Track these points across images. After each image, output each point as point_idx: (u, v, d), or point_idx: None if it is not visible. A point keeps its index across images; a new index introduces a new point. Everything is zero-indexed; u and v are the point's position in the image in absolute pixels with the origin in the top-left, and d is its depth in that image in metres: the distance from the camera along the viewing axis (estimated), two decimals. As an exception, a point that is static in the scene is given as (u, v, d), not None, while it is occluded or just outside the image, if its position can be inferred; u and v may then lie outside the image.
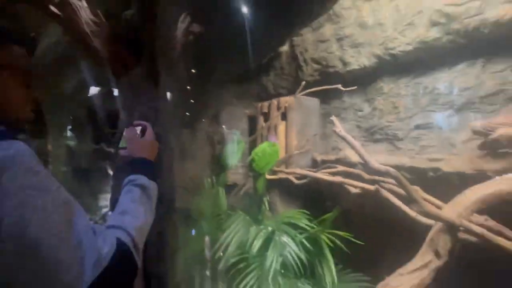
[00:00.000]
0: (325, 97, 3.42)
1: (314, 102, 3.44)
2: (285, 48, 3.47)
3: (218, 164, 2.73)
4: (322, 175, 2.23)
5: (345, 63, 2.84)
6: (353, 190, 2.18)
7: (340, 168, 2.34)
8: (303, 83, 2.92)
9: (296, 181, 2.74)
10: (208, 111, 4.28)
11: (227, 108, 4.18)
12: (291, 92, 3.45)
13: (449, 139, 2.38)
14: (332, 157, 3.09)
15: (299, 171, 2.37)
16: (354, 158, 2.46)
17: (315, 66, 3.10)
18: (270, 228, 2.44)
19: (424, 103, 2.52)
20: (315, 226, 2.35)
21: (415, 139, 2.60)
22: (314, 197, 3.10)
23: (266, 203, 2.70)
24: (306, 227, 2.37)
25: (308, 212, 2.58)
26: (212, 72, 4.02)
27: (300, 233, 2.43)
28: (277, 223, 2.52)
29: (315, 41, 3.03)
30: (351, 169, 2.31)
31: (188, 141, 3.96)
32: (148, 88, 2.83)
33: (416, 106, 2.57)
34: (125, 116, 2.87)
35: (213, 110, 4.28)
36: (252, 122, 4.11)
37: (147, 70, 2.80)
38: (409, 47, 2.36)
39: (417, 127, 2.59)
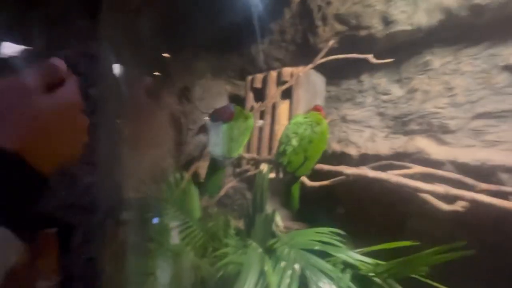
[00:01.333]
0: (333, 74, 2.33)
1: (321, 80, 2.33)
2: (293, 0, 2.24)
3: (213, 158, 1.40)
4: (410, 181, 1.11)
5: (388, 22, 1.77)
6: (445, 207, 1.11)
7: (419, 169, 1.25)
8: (331, 42, 1.76)
9: (311, 183, 1.58)
10: (175, 86, 2.82)
11: (200, 83, 2.80)
12: (288, 66, 2.27)
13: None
14: (352, 150, 2.02)
15: (356, 170, 1.20)
16: (436, 153, 1.40)
17: (338, 26, 1.98)
18: (297, 266, 1.24)
19: (501, 83, 1.59)
20: (372, 263, 1.23)
21: (476, 132, 1.67)
22: (332, 205, 2.00)
23: (278, 219, 1.49)
24: (357, 262, 1.24)
25: (340, 231, 1.45)
26: (187, 35, 2.59)
27: (343, 269, 1.29)
28: (301, 254, 1.34)
29: (345, -11, 1.89)
30: (441, 171, 1.24)
31: (146, 122, 2.48)
32: (80, 24, 1.40)
33: (486, 88, 1.63)
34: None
35: (181, 85, 2.85)
36: (234, 102, 2.84)
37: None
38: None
39: (482, 115, 1.65)
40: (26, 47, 1.75)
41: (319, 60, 1.85)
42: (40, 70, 0.42)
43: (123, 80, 1.90)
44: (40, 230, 1.50)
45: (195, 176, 2.34)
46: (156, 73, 2.72)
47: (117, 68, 1.87)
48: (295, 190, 1.23)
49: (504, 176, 1.24)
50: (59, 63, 0.44)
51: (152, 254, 1.73)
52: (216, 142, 1.43)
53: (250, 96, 2.40)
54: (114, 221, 1.62)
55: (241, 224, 1.91)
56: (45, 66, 0.42)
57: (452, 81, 1.76)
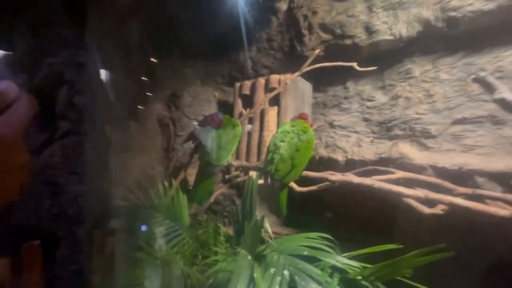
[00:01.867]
0: (319, 81, 2.39)
1: (309, 86, 2.38)
2: (279, 9, 2.29)
3: (202, 166, 1.40)
4: (390, 185, 1.15)
5: (371, 32, 1.84)
6: (427, 210, 1.16)
7: (401, 174, 1.30)
8: (317, 50, 1.81)
9: (300, 189, 1.61)
10: (163, 92, 2.81)
11: (189, 90, 2.80)
12: (276, 73, 2.31)
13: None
14: (340, 156, 2.07)
15: (342, 176, 1.23)
16: (418, 158, 1.46)
17: (324, 35, 2.04)
18: (286, 272, 1.26)
19: (476, 91, 1.67)
20: (359, 267, 1.26)
21: (456, 137, 1.75)
22: (320, 210, 2.03)
23: (267, 225, 1.50)
24: (345, 266, 1.27)
25: (329, 236, 1.48)
26: (176, 42, 2.59)
27: (331, 274, 1.32)
28: (290, 260, 1.36)
29: (329, 0, 1.96)
30: (422, 176, 1.29)
31: (135, 129, 2.45)
32: (66, 32, 1.39)
33: (463, 95, 1.72)
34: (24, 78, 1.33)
35: (169, 91, 2.84)
36: (223, 109, 2.85)
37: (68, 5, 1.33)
38: (489, 6, 1.46)
39: (461, 121, 1.73)
40: (6, 52, 1.71)
41: (306, 68, 1.90)
42: None
43: (111, 87, 1.88)
44: (23, 243, 1.45)
45: (184, 183, 2.33)
46: (144, 79, 2.70)
47: (105, 75, 1.86)
48: (283, 197, 1.26)
49: (480, 180, 1.30)
50: (3, 87, 0.36)
51: (141, 264, 1.70)
52: (205, 149, 1.44)
53: (239, 102, 2.42)
54: (101, 231, 1.59)
55: (231, 230, 1.91)
56: None
57: (432, 88, 1.84)
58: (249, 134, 2.29)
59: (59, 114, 1.47)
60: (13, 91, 0.37)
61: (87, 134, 1.47)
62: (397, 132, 1.98)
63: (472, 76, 1.03)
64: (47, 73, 1.41)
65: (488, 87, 0.99)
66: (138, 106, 2.64)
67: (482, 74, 0.97)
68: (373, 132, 2.14)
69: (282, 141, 1.18)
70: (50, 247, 1.56)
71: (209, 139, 1.43)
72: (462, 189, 1.16)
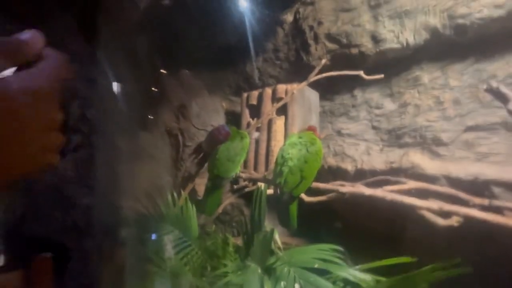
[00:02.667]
0: (326, 90, 2.38)
1: (315, 95, 2.38)
2: (285, 21, 2.31)
3: (211, 178, 1.40)
4: (404, 197, 1.12)
5: (377, 41, 1.84)
6: (441, 222, 1.12)
7: (414, 184, 1.26)
8: (324, 60, 1.81)
9: (309, 199, 1.58)
10: (171, 103, 2.85)
11: (196, 100, 2.83)
12: (282, 82, 2.32)
13: (527, 145, 1.52)
14: (349, 165, 2.04)
15: (352, 187, 1.20)
16: (430, 168, 1.42)
17: (330, 45, 2.04)
18: (297, 286, 1.23)
19: (488, 97, 1.63)
20: (372, 280, 1.22)
21: (469, 144, 1.70)
22: (330, 220, 1.99)
23: (277, 236, 1.48)
24: (357, 280, 1.23)
25: (340, 248, 1.45)
26: (183, 53, 2.64)
27: (343, 287, 1.28)
28: (301, 272, 1.33)
29: (334, 10, 1.98)
30: (435, 187, 1.25)
31: (144, 139, 2.48)
32: (80, 50, 1.44)
33: (474, 101, 1.68)
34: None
35: (177, 102, 2.87)
36: (231, 118, 2.87)
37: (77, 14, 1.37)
38: (499, 12, 1.44)
39: (474, 128, 1.69)
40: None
41: (313, 77, 1.90)
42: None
43: (121, 99, 1.92)
44: (34, 255, 1.47)
45: (193, 193, 2.33)
46: (154, 90, 2.75)
47: (115, 87, 1.90)
48: (293, 210, 1.24)
49: (497, 190, 1.26)
50: (31, 36, 0.31)
51: (150, 276, 1.69)
52: (214, 161, 1.44)
53: (246, 112, 2.43)
54: (111, 243, 1.59)
55: (239, 241, 1.89)
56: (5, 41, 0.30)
57: (442, 95, 1.81)
58: (257, 144, 2.29)
59: (71, 127, 1.50)
60: (40, 42, 0.32)
61: (98, 147, 1.49)
62: (407, 139, 1.95)
63: (485, 87, 1.00)
64: (61, 87, 1.44)
65: (501, 98, 0.97)
66: (147, 117, 2.68)
67: (495, 84, 0.95)
68: (382, 140, 2.11)
69: (290, 153, 1.17)
70: (61, 260, 1.57)
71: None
72: (478, 200, 1.12)
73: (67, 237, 1.53)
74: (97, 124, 1.49)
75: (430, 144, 1.83)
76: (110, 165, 1.68)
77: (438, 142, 1.80)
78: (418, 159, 1.60)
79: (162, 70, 2.68)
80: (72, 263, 1.56)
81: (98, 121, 1.49)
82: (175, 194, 2.08)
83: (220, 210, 2.19)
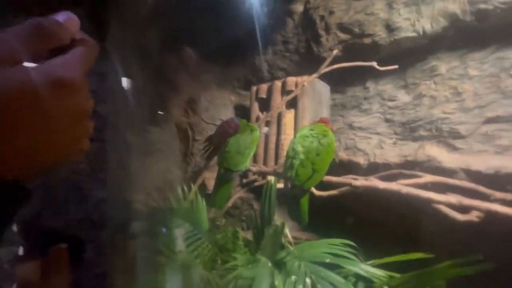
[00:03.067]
0: (337, 82, 2.32)
1: (326, 88, 2.32)
2: (295, 11, 2.25)
3: (220, 171, 1.39)
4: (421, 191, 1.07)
5: (391, 30, 1.76)
6: (460, 217, 1.07)
7: (430, 177, 1.22)
8: (335, 51, 1.76)
9: (319, 193, 1.55)
10: (180, 97, 2.85)
11: (205, 94, 2.82)
12: (292, 75, 2.27)
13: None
14: (361, 159, 1.99)
15: (365, 181, 1.17)
16: (448, 161, 1.37)
17: (342, 35, 1.98)
18: (308, 280, 1.22)
19: (510, 87, 1.55)
20: (385, 276, 1.20)
21: (488, 137, 1.62)
22: (341, 214, 1.96)
23: (287, 230, 1.46)
24: (370, 275, 1.21)
25: (351, 243, 1.42)
26: (192, 46, 2.62)
27: (355, 283, 1.26)
28: (312, 267, 1.31)
29: (347, -1, 1.89)
30: (453, 180, 1.20)
31: (154, 134, 2.49)
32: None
33: (495, 91, 1.60)
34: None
35: (186, 96, 2.87)
36: (239, 112, 2.85)
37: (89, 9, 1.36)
38: (524, -5, 1.35)
39: (493, 120, 1.61)
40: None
41: (324, 69, 1.85)
42: (29, 27, 0.28)
43: (131, 93, 1.93)
44: (52, 246, 1.50)
45: (202, 187, 2.34)
46: (163, 85, 2.75)
47: (125, 82, 1.91)
48: (304, 203, 1.22)
49: (520, 184, 1.20)
50: (67, 18, 0.30)
51: (161, 268, 1.72)
52: (224, 154, 1.43)
53: (256, 106, 2.40)
54: (124, 235, 1.62)
55: (249, 235, 1.88)
56: (36, 22, 0.28)
57: (460, 85, 1.73)
58: (267, 137, 2.27)
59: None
60: (76, 25, 0.32)
61: (110, 141, 1.50)
62: (422, 132, 1.88)
63: (511, 72, 0.94)
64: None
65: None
66: (157, 111, 2.70)
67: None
68: (396, 133, 2.05)
69: (301, 145, 1.14)
70: (76, 251, 1.61)
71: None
72: (500, 194, 1.07)
73: (82, 229, 1.57)
74: (108, 119, 1.50)
75: (447, 137, 1.76)
76: (122, 159, 1.70)
77: (456, 134, 1.72)
78: (435, 152, 1.54)
79: (171, 65, 2.68)
80: (86, 254, 1.60)
81: (109, 116, 1.49)
82: (185, 188, 2.09)
83: (230, 204, 2.19)
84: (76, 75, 0.30)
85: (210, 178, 2.29)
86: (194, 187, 2.20)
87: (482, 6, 1.46)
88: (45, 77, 0.27)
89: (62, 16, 0.31)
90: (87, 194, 1.55)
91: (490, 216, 0.96)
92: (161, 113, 2.69)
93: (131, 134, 1.84)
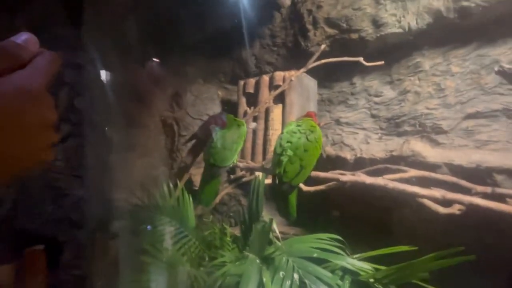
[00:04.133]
0: (325, 77, 2.32)
1: (314, 83, 2.32)
2: (283, 5, 2.22)
3: (206, 167, 1.35)
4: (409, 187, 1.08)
5: (378, 25, 1.77)
6: (442, 210, 1.10)
7: (414, 172, 1.24)
8: (323, 45, 1.75)
9: (307, 188, 1.55)
10: (165, 91, 2.76)
11: (191, 88, 2.75)
12: (279, 70, 2.25)
13: (528, 133, 1.50)
14: (348, 154, 2.01)
15: (352, 176, 1.17)
16: (432, 156, 1.39)
17: (329, 30, 1.97)
18: (296, 276, 1.22)
19: (490, 84, 1.61)
20: (371, 269, 1.22)
21: (469, 132, 1.68)
22: (328, 209, 1.98)
23: (275, 226, 1.46)
24: (356, 268, 1.22)
25: (338, 237, 1.43)
26: (177, 39, 2.53)
27: (342, 276, 1.27)
28: (299, 262, 1.31)
29: (334, -7, 1.88)
30: (437, 175, 1.23)
31: (137, 129, 2.41)
32: (63, 32, 1.34)
33: (476, 88, 1.65)
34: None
35: (171, 90, 2.79)
36: (227, 107, 2.80)
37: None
38: (504, -6, 1.38)
39: (474, 115, 1.67)
40: None
41: (311, 64, 1.84)
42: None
43: (111, 87, 1.84)
44: (26, 247, 1.42)
45: (189, 183, 2.29)
46: (146, 78, 2.66)
47: (104, 75, 1.82)
48: (292, 199, 1.21)
49: (499, 177, 1.24)
50: (25, 39, 0.34)
51: (146, 267, 1.67)
52: (210, 149, 1.39)
53: (243, 101, 2.37)
54: (105, 235, 1.56)
55: (237, 231, 1.87)
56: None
57: (443, 82, 1.77)
58: (254, 133, 2.24)
59: (60, 116, 1.43)
60: (35, 44, 0.34)
61: (89, 137, 1.43)
62: (407, 128, 1.91)
63: (496, 68, 0.96)
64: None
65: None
66: (141, 106, 2.60)
67: (508, 66, 0.91)
68: (381, 129, 2.08)
69: (289, 142, 1.13)
70: (53, 252, 1.54)
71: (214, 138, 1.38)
72: (481, 188, 1.11)
73: (58, 229, 1.49)
74: (86, 113, 1.42)
75: (430, 132, 1.80)
76: (102, 155, 1.62)
77: (438, 130, 1.77)
78: (419, 147, 1.57)
79: (155, 59, 2.59)
80: (64, 255, 1.52)
81: (87, 110, 1.42)
82: (171, 185, 2.04)
83: (217, 200, 2.16)
84: (34, 85, 0.31)
85: (196, 174, 2.25)
86: (180, 184, 2.16)
87: (465, 3, 1.49)
88: (3, 88, 0.29)
89: (21, 38, 0.33)
90: (64, 192, 1.47)
91: (472, 209, 0.99)
92: (145, 107, 2.60)
93: (112, 129, 1.76)
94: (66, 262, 1.39)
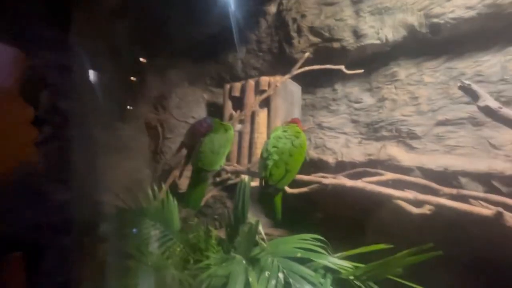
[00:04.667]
0: (308, 83, 2.41)
1: (298, 88, 2.40)
2: (269, 12, 2.29)
3: (195, 171, 1.37)
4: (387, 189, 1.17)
5: (358, 36, 1.88)
6: (415, 210, 1.20)
7: (390, 175, 1.33)
8: (307, 53, 1.83)
9: (291, 190, 1.62)
10: (150, 93, 2.74)
11: (176, 91, 2.74)
12: (265, 74, 2.32)
13: (490, 139, 1.65)
14: (330, 157, 2.10)
15: (334, 179, 1.24)
16: (406, 160, 1.50)
17: (313, 38, 2.06)
18: (281, 275, 1.27)
19: (457, 93, 1.75)
20: (351, 267, 1.29)
21: (439, 138, 1.82)
22: (311, 210, 2.05)
23: (260, 227, 1.50)
24: (337, 267, 1.29)
25: (322, 237, 1.50)
26: (163, 41, 2.52)
27: (324, 275, 1.34)
28: (284, 262, 1.37)
29: (318, 4, 1.99)
30: (410, 178, 1.33)
31: (122, 131, 2.37)
32: (50, 35, 1.33)
33: (445, 97, 1.79)
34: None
35: (156, 93, 2.77)
36: (212, 110, 2.81)
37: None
38: (470, 13, 1.52)
39: (444, 123, 1.81)
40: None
41: (296, 70, 1.91)
42: None
43: (97, 89, 1.81)
44: (4, 254, 1.37)
45: (173, 186, 2.29)
46: (132, 80, 2.62)
47: (91, 76, 1.78)
48: (278, 201, 1.26)
49: (463, 180, 1.37)
50: None
51: (131, 271, 1.65)
52: (198, 154, 1.42)
53: (229, 104, 2.40)
54: (89, 239, 1.53)
55: (222, 233, 1.89)
56: None
57: (416, 91, 1.91)
58: (240, 136, 2.28)
59: (42, 118, 1.40)
60: None
61: (73, 139, 1.41)
62: (384, 133, 2.04)
63: (458, 84, 1.07)
64: (29, 76, 1.33)
65: (473, 95, 1.04)
66: (125, 108, 2.56)
67: (467, 82, 1.02)
68: (361, 133, 2.19)
69: (275, 146, 1.18)
70: (33, 258, 1.48)
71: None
72: (447, 190, 1.22)
73: (39, 234, 1.44)
74: (70, 115, 1.40)
75: (405, 137, 1.93)
76: (85, 158, 1.59)
77: (412, 135, 1.90)
78: (395, 151, 1.68)
79: (141, 59, 2.56)
80: (45, 261, 1.48)
81: (71, 112, 1.40)
82: (155, 187, 2.03)
83: (202, 203, 2.17)
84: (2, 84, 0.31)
85: (184, 177, 2.25)
86: (165, 187, 2.14)
87: (435, 20, 1.62)
88: None
89: None
90: (45, 196, 1.43)
91: (440, 209, 1.09)
92: (130, 109, 2.56)
93: (96, 131, 1.73)
94: (47, 268, 1.35)
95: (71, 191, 1.44)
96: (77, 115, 1.45)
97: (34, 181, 1.40)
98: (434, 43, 1.76)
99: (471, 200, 1.17)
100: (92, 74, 1.60)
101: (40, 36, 1.25)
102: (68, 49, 1.33)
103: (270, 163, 1.16)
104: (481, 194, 1.20)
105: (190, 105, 2.72)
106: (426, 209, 1.16)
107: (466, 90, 1.01)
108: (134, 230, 1.70)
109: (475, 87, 1.00)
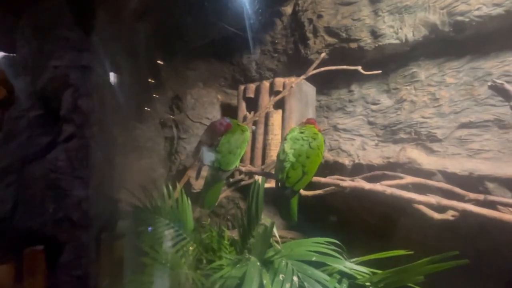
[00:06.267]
0: (323, 84, 2.37)
1: (312, 89, 2.37)
2: (284, 13, 2.27)
3: (211, 171, 1.37)
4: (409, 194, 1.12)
5: (376, 36, 1.83)
6: (437, 216, 1.14)
7: (411, 179, 1.28)
8: (323, 54, 1.79)
9: (305, 193, 1.59)
10: (166, 94, 2.78)
11: (191, 92, 2.77)
12: (279, 76, 2.30)
13: (518, 142, 1.56)
14: (346, 160, 2.05)
15: (352, 182, 1.20)
16: (427, 163, 1.44)
17: (329, 39, 2.02)
18: (295, 278, 1.24)
19: (482, 95, 1.67)
20: (368, 273, 1.24)
21: (462, 141, 1.74)
22: (325, 213, 2.01)
23: (275, 230, 1.48)
24: (353, 272, 1.25)
25: (337, 241, 1.46)
26: (180, 44, 2.56)
27: (339, 280, 1.30)
28: (299, 265, 1.33)
29: (334, 4, 1.95)
30: (432, 182, 1.27)
31: (138, 130, 2.41)
32: (70, 35, 1.36)
33: (469, 99, 1.71)
34: (27, 82, 1.31)
35: (172, 93, 2.81)
36: (226, 111, 2.82)
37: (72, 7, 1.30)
38: (497, 10, 1.45)
39: (467, 125, 1.72)
40: (9, 54, 1.68)
41: (311, 71, 1.88)
42: None
43: (117, 89, 1.85)
44: (26, 248, 1.42)
45: (187, 186, 2.30)
46: (150, 81, 2.67)
47: (111, 77, 1.82)
48: (294, 204, 1.24)
49: (491, 185, 1.29)
50: None
51: (145, 268, 1.67)
52: (215, 154, 1.42)
53: (243, 105, 2.40)
54: (109, 235, 1.56)
55: (235, 234, 1.88)
56: None
57: (437, 92, 1.84)
58: (254, 137, 2.27)
59: (63, 117, 1.44)
60: None
61: (93, 137, 1.44)
62: (402, 135, 1.97)
63: (489, 83, 1.01)
64: (51, 76, 1.38)
65: (505, 94, 0.98)
66: (143, 108, 2.61)
67: (500, 81, 0.96)
68: (378, 136, 2.13)
69: (292, 148, 1.16)
70: (53, 252, 1.53)
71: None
72: (473, 195, 1.15)
73: (59, 229, 1.49)
74: (91, 114, 1.43)
75: (425, 140, 1.86)
76: (105, 156, 1.63)
77: (432, 138, 1.83)
78: (415, 154, 1.62)
79: (158, 61, 2.61)
80: (64, 256, 1.52)
81: (92, 111, 1.43)
82: (170, 187, 2.05)
83: (215, 203, 2.18)
84: None
85: (195, 176, 2.26)
86: (179, 186, 2.16)
87: (459, 18, 1.55)
88: None
89: None
90: (67, 192, 1.47)
91: (465, 215, 1.03)
92: (146, 109, 2.61)
93: (115, 131, 1.77)
94: (66, 262, 1.39)
95: (89, 188, 1.47)
96: (97, 114, 1.48)
97: (55, 178, 1.44)
98: (457, 42, 1.69)
99: (499, 207, 1.10)
100: (112, 75, 1.64)
101: (62, 36, 1.29)
102: (89, 50, 1.36)
103: (287, 165, 1.14)
104: (511, 201, 1.13)
105: (204, 106, 2.74)
106: (448, 215, 1.10)
107: (498, 89, 0.95)
108: (149, 228, 1.72)
109: (508, 86, 0.95)
